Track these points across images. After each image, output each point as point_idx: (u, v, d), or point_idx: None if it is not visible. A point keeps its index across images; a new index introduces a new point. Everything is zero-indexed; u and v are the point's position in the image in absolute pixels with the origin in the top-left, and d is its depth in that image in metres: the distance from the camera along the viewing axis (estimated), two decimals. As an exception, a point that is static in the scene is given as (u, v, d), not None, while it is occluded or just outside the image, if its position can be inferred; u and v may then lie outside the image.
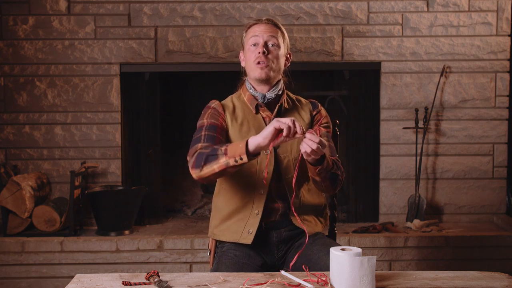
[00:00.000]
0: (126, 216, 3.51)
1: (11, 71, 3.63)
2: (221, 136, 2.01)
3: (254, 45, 2.03)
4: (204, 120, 2.05)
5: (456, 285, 1.64)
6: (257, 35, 2.03)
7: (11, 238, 3.36)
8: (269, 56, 2.02)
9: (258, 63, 2.01)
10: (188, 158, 1.96)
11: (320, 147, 1.77)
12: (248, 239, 2.01)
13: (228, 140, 2.05)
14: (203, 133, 2.00)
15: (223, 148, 1.85)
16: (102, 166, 3.68)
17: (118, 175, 3.69)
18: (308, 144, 1.76)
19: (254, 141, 1.79)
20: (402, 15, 3.67)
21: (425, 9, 3.67)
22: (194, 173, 1.91)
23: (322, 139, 1.79)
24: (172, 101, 4.06)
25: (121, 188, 3.64)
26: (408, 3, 3.66)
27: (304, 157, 1.84)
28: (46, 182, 3.64)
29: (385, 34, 3.67)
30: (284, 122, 1.74)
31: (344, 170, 2.06)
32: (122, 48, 3.64)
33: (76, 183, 3.47)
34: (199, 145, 1.96)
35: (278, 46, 2.04)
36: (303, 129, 1.76)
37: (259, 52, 2.01)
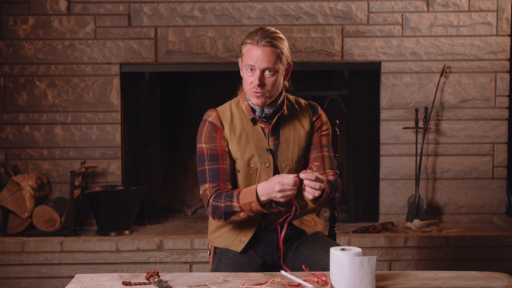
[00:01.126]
0: (126, 216, 3.51)
1: (11, 71, 3.63)
2: (224, 163, 2.01)
3: (251, 69, 1.95)
4: (203, 145, 2.02)
5: (456, 285, 1.64)
6: (253, 64, 1.93)
7: (11, 238, 3.36)
8: (265, 87, 1.95)
9: (254, 91, 1.96)
10: (202, 197, 2.03)
11: (321, 186, 1.80)
12: (238, 247, 2.02)
13: (230, 155, 2.03)
14: (206, 166, 2.01)
15: (237, 205, 1.91)
16: (102, 166, 3.68)
17: (118, 175, 3.69)
18: (310, 186, 1.79)
19: (264, 196, 1.87)
20: (402, 15, 3.67)
21: (425, 9, 3.67)
22: (218, 221, 2.02)
23: (318, 175, 1.81)
24: (172, 101, 4.06)
25: (121, 188, 3.64)
26: (408, 3, 3.66)
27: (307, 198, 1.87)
28: (46, 182, 3.64)
29: (385, 34, 3.67)
30: (289, 193, 1.80)
31: (341, 185, 2.08)
32: (122, 48, 3.64)
33: (76, 183, 3.47)
34: (207, 187, 1.99)
35: (276, 71, 1.96)
36: (297, 176, 1.80)
37: (254, 83, 1.94)
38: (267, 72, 1.94)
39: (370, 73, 3.73)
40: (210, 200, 1.97)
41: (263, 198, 1.86)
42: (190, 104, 4.09)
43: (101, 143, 3.67)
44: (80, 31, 3.62)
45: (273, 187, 1.82)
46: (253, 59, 1.93)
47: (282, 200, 1.83)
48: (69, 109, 3.65)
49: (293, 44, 3.60)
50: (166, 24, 3.63)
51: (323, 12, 3.64)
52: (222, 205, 1.94)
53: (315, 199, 1.86)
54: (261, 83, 1.94)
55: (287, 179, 1.79)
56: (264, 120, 2.04)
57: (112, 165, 3.68)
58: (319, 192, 1.79)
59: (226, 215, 1.94)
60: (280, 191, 1.80)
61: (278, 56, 1.94)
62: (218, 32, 3.64)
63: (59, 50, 3.63)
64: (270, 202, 1.90)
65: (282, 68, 1.98)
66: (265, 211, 1.90)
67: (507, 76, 3.70)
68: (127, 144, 3.75)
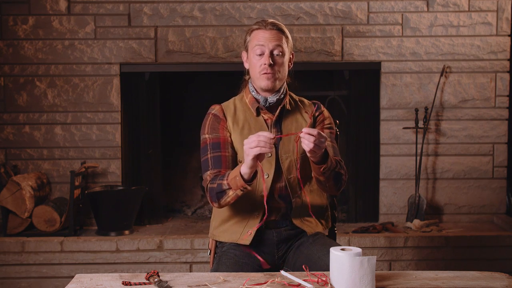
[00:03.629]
0: (126, 216, 3.51)
1: (11, 71, 3.64)
2: (226, 151, 2.03)
3: (260, 54, 2.02)
4: (206, 135, 2.06)
5: (456, 285, 1.64)
6: (262, 44, 2.01)
7: (11, 238, 3.36)
8: (275, 67, 2.01)
9: (264, 73, 2.01)
10: (203, 184, 2.04)
11: (320, 139, 1.78)
12: (247, 240, 2.01)
13: (232, 145, 2.05)
14: (209, 155, 2.03)
15: (225, 182, 1.91)
16: (102, 166, 3.68)
17: (118, 175, 3.69)
18: (306, 138, 1.78)
19: (245, 171, 1.84)
20: (402, 15, 3.67)
21: (425, 9, 3.67)
22: (214, 206, 2.01)
23: (320, 132, 1.80)
24: (172, 101, 4.06)
25: (121, 188, 3.64)
26: (408, 3, 3.66)
27: (309, 155, 1.85)
28: (46, 182, 3.64)
29: (385, 34, 3.67)
30: (255, 146, 1.75)
31: (347, 170, 2.07)
32: (122, 48, 3.64)
33: (76, 183, 3.47)
34: (208, 173, 2.01)
35: (283, 54, 2.04)
36: (277, 133, 1.76)
37: (265, 64, 2.00)
38: (276, 53, 2.02)
39: (370, 73, 3.73)
40: (208, 184, 1.99)
41: (245, 174, 1.85)
42: (190, 104, 4.09)
43: (101, 143, 3.67)
44: (80, 31, 3.62)
45: (249, 142, 1.79)
46: (262, 40, 2.02)
47: (257, 151, 1.76)
48: (69, 109, 3.65)
49: (293, 44, 3.59)
50: (166, 24, 3.63)
51: (323, 12, 3.64)
52: (215, 185, 1.96)
53: (320, 161, 1.87)
54: (271, 63, 2.00)
55: (265, 132, 1.78)
56: (268, 110, 2.07)
57: (112, 165, 3.68)
58: (313, 144, 1.77)
59: (218, 194, 1.94)
60: (248, 150, 1.77)
61: (285, 40, 2.06)
62: (218, 32, 3.64)
63: (59, 50, 3.63)
64: (255, 176, 1.88)
65: (288, 53, 2.07)
66: (248, 187, 1.88)
67: (507, 76, 3.70)
68: (127, 144, 3.74)
